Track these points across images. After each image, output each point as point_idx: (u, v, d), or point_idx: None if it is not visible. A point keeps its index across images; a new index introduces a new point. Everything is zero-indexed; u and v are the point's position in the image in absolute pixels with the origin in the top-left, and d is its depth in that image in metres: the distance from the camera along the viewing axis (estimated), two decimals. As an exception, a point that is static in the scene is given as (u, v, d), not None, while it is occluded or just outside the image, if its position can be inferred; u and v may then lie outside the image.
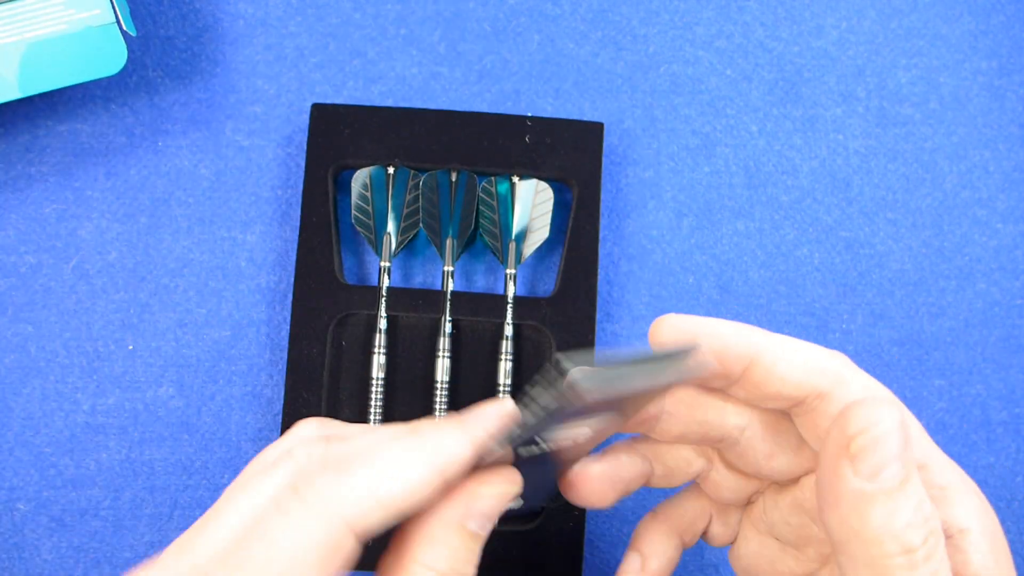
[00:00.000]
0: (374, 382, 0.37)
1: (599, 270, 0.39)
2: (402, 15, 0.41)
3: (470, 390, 0.38)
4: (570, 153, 0.38)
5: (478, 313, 0.38)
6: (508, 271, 0.38)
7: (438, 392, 0.37)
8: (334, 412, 0.38)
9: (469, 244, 0.39)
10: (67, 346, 0.39)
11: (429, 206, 0.38)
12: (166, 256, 0.39)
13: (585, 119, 0.39)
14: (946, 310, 0.42)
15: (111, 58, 0.36)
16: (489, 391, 0.38)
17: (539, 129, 0.38)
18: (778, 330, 0.42)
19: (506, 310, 0.38)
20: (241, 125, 0.40)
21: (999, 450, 0.42)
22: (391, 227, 0.37)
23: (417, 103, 0.41)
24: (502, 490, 0.22)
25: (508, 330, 0.38)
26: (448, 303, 0.37)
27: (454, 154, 0.38)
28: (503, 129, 0.38)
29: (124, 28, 0.36)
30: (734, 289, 0.41)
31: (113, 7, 0.35)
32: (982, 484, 0.43)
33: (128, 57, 0.36)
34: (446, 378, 0.37)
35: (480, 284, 0.40)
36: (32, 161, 0.39)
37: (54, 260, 0.39)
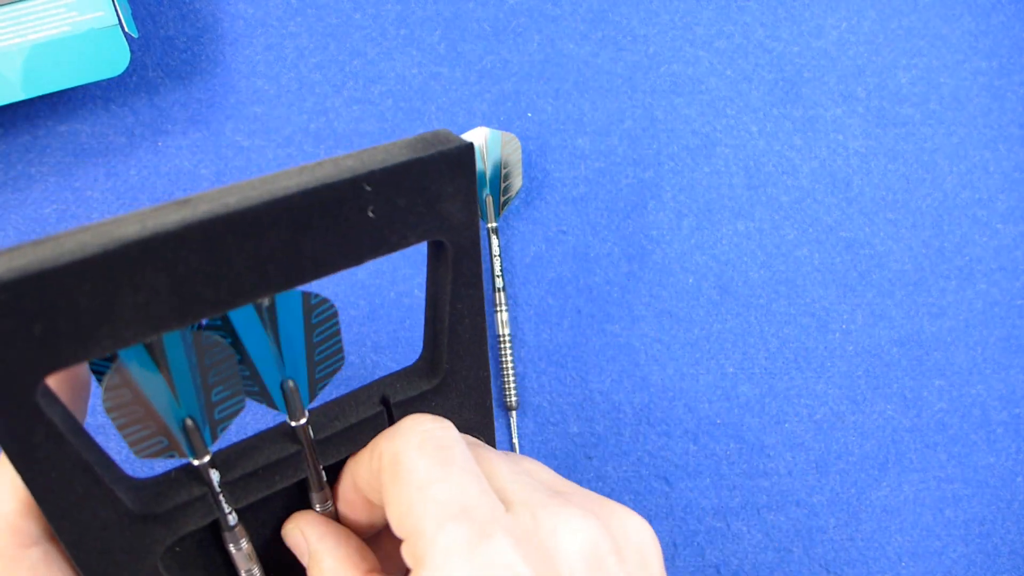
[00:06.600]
0: None
1: (600, 270, 0.39)
2: (402, 15, 0.41)
3: None
4: (433, 206, 0.24)
5: (357, 442, 0.26)
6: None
7: None
8: None
9: (328, 378, 0.26)
10: (68, 346, 0.39)
11: (240, 363, 0.24)
12: (167, 256, 0.39)
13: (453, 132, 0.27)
14: (946, 310, 0.42)
15: (114, 60, 0.36)
16: None
17: (384, 190, 0.22)
18: (778, 330, 0.42)
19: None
20: (241, 125, 0.40)
21: (999, 450, 0.41)
22: (190, 419, 0.24)
23: (417, 103, 0.41)
24: None
25: None
26: (312, 467, 0.26)
27: (262, 276, 0.21)
28: (327, 215, 0.22)
29: (126, 30, 0.36)
30: (734, 289, 0.41)
31: (116, 9, 0.35)
32: (982, 484, 0.44)
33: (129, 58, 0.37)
34: None
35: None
36: (32, 161, 0.39)
37: (55, 260, 0.39)
